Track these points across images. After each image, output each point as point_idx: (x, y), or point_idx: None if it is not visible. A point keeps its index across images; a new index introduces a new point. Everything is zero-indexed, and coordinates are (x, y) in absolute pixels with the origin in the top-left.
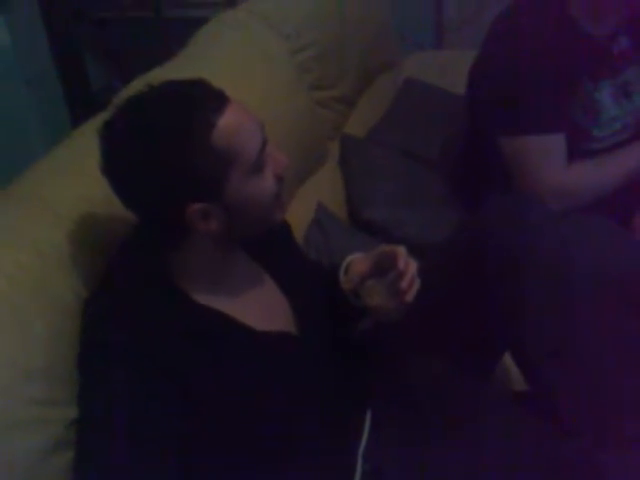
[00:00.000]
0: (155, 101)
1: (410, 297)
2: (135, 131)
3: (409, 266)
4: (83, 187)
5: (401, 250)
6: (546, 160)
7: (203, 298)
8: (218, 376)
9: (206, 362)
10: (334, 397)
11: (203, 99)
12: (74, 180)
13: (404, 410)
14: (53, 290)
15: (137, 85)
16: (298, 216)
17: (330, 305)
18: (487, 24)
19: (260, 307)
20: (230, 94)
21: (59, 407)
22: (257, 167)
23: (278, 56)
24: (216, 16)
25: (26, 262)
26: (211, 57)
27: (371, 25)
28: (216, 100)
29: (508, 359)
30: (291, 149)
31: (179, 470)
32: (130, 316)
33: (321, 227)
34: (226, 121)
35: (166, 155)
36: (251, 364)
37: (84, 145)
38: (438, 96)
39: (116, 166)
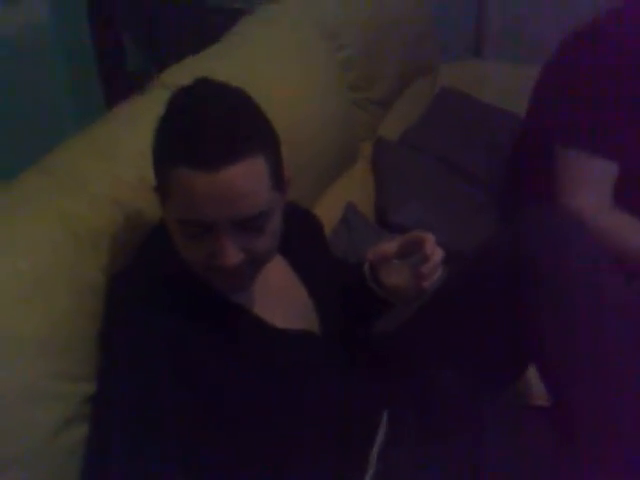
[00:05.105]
0: (184, 99)
1: (428, 284)
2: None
3: (435, 252)
4: (118, 168)
5: (430, 236)
6: (587, 185)
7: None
8: (237, 370)
9: (226, 355)
10: (352, 397)
11: (206, 141)
12: (109, 160)
13: (420, 416)
14: (80, 267)
15: (172, 72)
16: (327, 214)
17: (352, 302)
18: (527, 37)
19: (284, 305)
20: (264, 87)
21: (77, 383)
22: (184, 231)
23: (319, 53)
24: (259, 8)
25: (56, 238)
26: (249, 48)
27: (412, 30)
28: (215, 154)
29: (529, 371)
30: (324, 146)
31: (189, 459)
32: (154, 299)
33: (349, 226)
34: (186, 174)
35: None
36: (270, 361)
37: (119, 127)
38: (474, 106)
39: None
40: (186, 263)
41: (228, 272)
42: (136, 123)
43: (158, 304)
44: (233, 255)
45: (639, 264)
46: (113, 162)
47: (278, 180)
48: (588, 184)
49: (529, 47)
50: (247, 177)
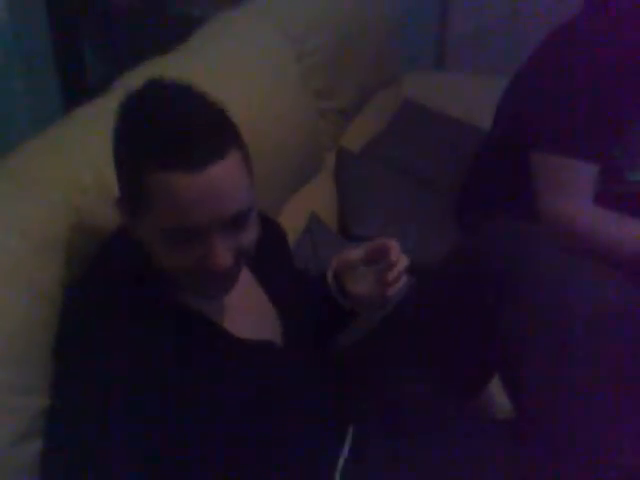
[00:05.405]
0: (149, 102)
1: (392, 291)
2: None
3: (400, 260)
4: (75, 172)
5: (395, 243)
6: (571, 187)
7: (185, 298)
8: (196, 381)
9: (185, 364)
10: (316, 410)
11: (190, 141)
12: (67, 164)
13: (387, 429)
14: (34, 274)
15: (132, 75)
16: (290, 224)
17: (315, 313)
18: (489, 48)
19: (246, 315)
20: (225, 93)
21: (31, 395)
22: (169, 239)
23: (283, 59)
24: (220, 16)
25: (9, 243)
26: (210, 53)
27: (375, 40)
28: (202, 153)
29: (493, 386)
30: (288, 154)
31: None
32: (112, 309)
33: (312, 237)
34: (172, 179)
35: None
36: (230, 370)
37: (77, 130)
38: (436, 119)
39: None
40: (147, 272)
41: (219, 274)
42: (95, 125)
43: (116, 315)
44: (226, 256)
45: (636, 253)
46: (70, 166)
47: (249, 171)
48: (573, 188)
49: (491, 58)
50: (233, 172)
